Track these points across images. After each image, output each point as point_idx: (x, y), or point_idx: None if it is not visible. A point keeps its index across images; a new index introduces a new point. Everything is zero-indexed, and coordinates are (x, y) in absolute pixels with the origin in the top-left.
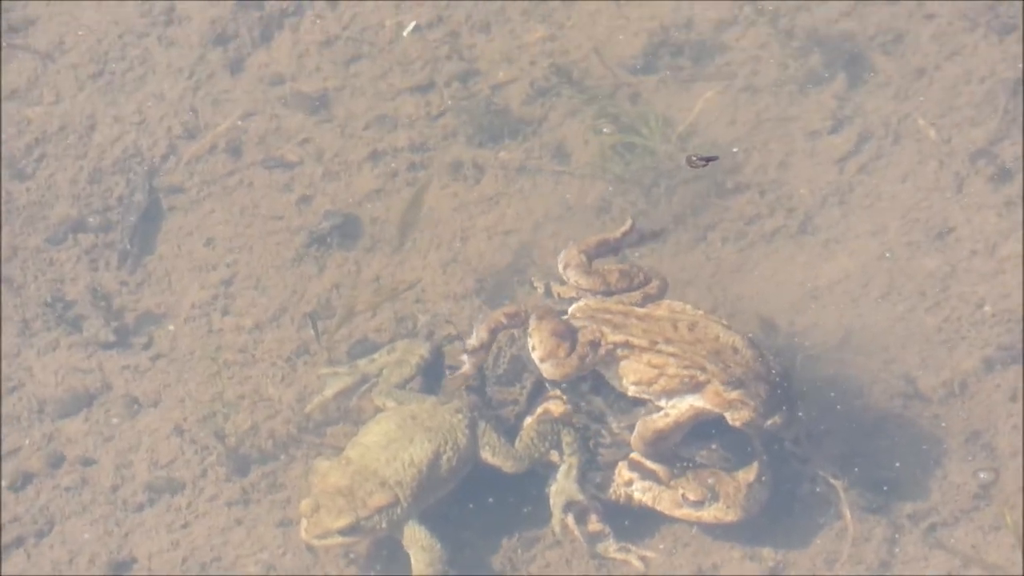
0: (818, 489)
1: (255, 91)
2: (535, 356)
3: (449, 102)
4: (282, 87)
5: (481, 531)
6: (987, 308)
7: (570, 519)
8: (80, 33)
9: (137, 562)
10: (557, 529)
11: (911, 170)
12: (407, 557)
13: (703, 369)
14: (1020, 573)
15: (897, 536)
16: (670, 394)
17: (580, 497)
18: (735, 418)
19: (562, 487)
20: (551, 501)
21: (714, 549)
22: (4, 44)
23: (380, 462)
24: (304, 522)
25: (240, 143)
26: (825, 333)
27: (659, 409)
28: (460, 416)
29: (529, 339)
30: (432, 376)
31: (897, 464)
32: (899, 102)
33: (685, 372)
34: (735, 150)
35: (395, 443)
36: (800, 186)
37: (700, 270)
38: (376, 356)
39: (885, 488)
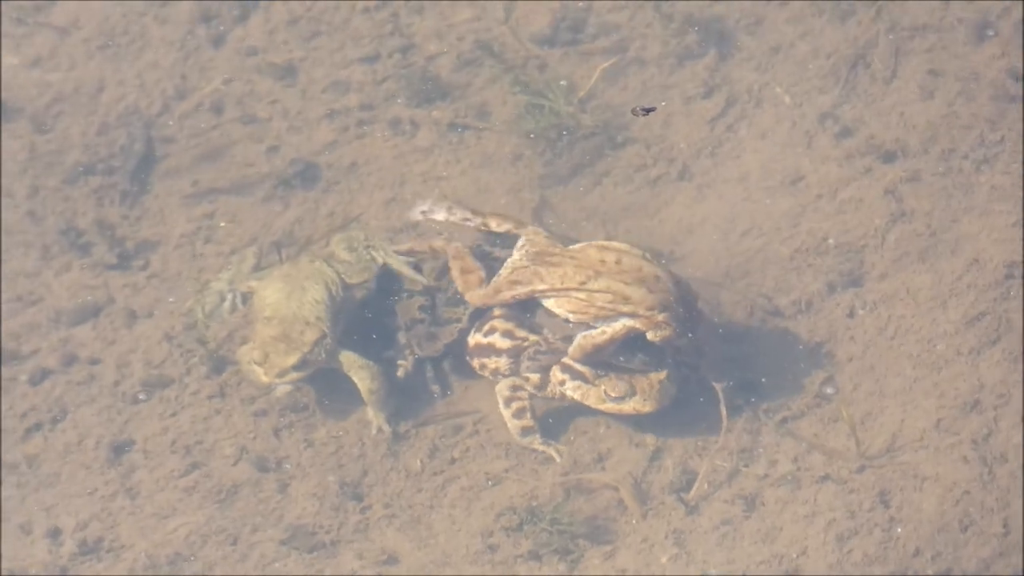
0: (699, 393)
1: (234, 61)
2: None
3: (391, 70)
4: (256, 58)
5: (413, 423)
6: (830, 241)
7: (535, 440)
8: (90, 12)
9: (135, 443)
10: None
11: (769, 128)
12: (361, 448)
13: (627, 299)
14: (854, 457)
15: (756, 427)
16: (603, 319)
17: (408, 272)
18: (657, 335)
19: (396, 266)
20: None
21: (606, 437)
22: (30, 21)
23: (294, 309)
24: (259, 369)
25: (221, 103)
26: (700, 261)
27: (596, 328)
28: (318, 261)
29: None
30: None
31: (757, 368)
32: (760, 73)
33: (610, 306)
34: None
35: (294, 294)
36: (679, 141)
37: (596, 208)
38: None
39: (747, 388)
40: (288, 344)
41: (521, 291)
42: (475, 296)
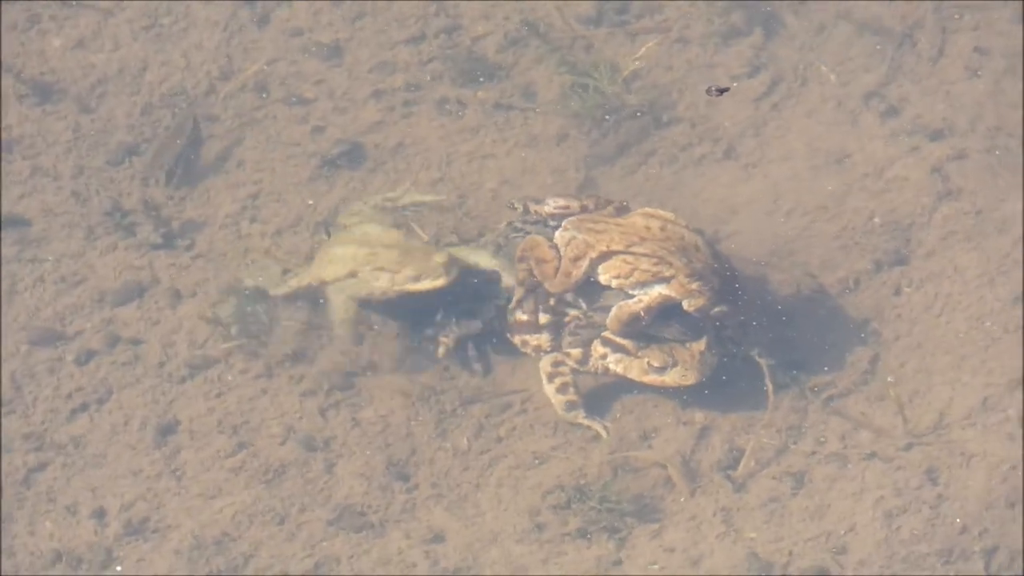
0: (746, 371)
1: (278, 41)
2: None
3: (437, 51)
4: (301, 38)
5: (457, 400)
6: (876, 220)
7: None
8: None
9: (180, 424)
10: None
11: (815, 108)
12: (408, 427)
13: (670, 264)
14: (901, 435)
15: (803, 405)
16: (643, 285)
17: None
18: (691, 304)
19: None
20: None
21: (653, 415)
22: (73, 2)
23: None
24: (393, 277)
25: (266, 83)
26: (746, 240)
27: (633, 296)
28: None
29: (522, 264)
30: None
31: (803, 346)
32: (805, 52)
33: (655, 268)
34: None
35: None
36: (724, 120)
37: (641, 188)
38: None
39: (794, 366)
40: (421, 253)
41: (584, 264)
42: (553, 285)
